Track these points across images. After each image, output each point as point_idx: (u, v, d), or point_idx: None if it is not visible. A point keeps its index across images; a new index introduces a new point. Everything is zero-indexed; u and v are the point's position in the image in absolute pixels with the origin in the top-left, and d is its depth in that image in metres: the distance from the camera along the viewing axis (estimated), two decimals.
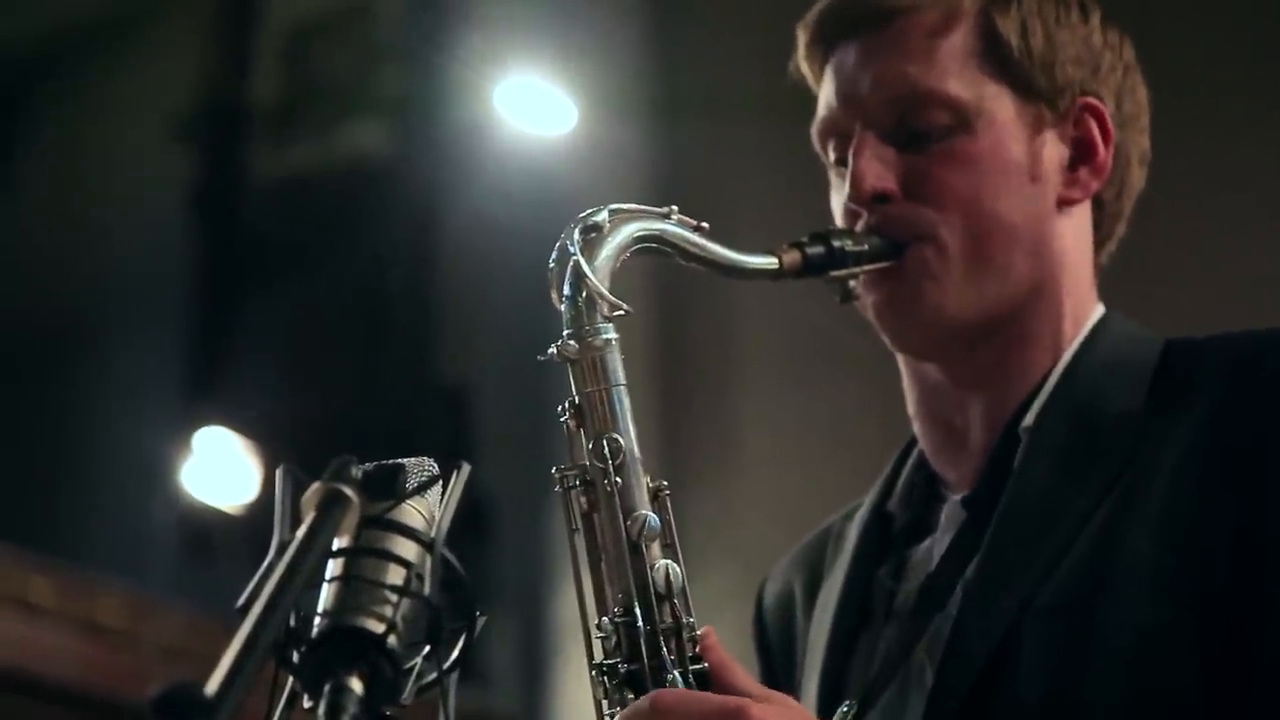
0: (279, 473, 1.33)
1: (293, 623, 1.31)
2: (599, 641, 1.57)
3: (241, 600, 1.22)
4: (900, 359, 1.89)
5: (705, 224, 1.70)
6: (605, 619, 1.56)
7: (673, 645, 1.54)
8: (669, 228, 1.68)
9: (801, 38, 1.90)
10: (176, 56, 7.14)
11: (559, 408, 1.62)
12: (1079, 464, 1.72)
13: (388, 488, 1.36)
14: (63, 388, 6.72)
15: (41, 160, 7.11)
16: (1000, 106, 1.80)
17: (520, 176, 5.99)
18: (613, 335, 1.62)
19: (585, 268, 1.61)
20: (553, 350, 1.62)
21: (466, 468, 1.40)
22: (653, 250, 1.68)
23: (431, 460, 1.42)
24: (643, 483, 1.59)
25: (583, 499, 1.59)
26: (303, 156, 7.02)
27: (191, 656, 5.13)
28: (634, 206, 1.68)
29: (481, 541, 6.19)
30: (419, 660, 1.35)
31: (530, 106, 6.00)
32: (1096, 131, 1.84)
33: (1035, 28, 1.82)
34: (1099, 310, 1.87)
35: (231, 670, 1.08)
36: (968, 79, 1.80)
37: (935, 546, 1.82)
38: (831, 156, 1.88)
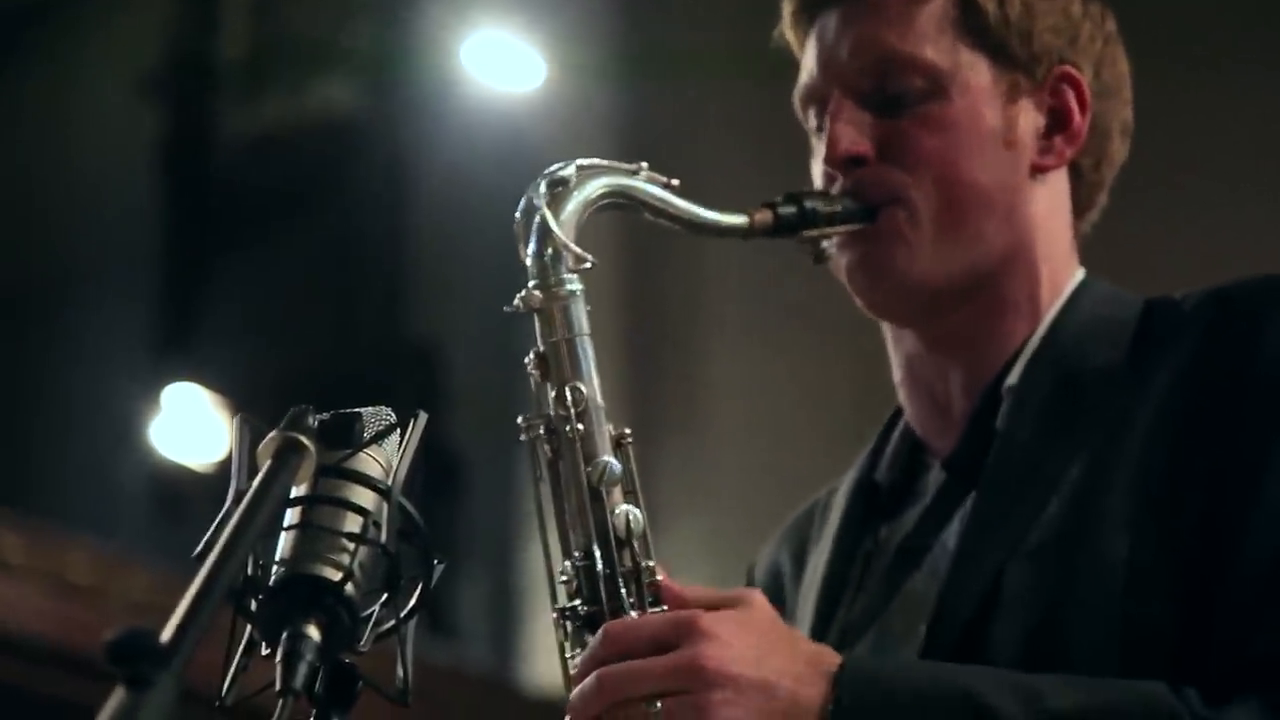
0: (235, 422, 1.33)
1: (250, 571, 1.32)
2: (562, 587, 1.58)
3: (198, 549, 1.22)
4: (884, 329, 1.90)
5: (675, 181, 1.71)
6: (567, 564, 1.57)
7: (632, 588, 1.56)
8: (637, 184, 1.69)
9: (787, 6, 1.91)
10: (145, 12, 7.10)
11: (525, 359, 1.63)
12: (1063, 419, 1.74)
13: (345, 437, 1.37)
14: (32, 344, 6.70)
15: (9, 117, 7.06)
16: (976, 73, 1.81)
17: (489, 133, 5.97)
18: (578, 287, 1.63)
19: (551, 222, 1.62)
20: (518, 301, 1.63)
21: (423, 416, 1.41)
22: (620, 206, 1.69)
23: (389, 410, 1.42)
24: (605, 430, 1.60)
25: (546, 447, 1.60)
26: (271, 112, 6.99)
27: (160, 613, 5.05)
28: (602, 162, 1.68)
29: (453, 497, 6.20)
30: (377, 608, 1.36)
31: (499, 63, 5.98)
32: (1073, 100, 1.84)
33: None
34: (1079, 274, 1.87)
35: (186, 618, 1.08)
36: (944, 45, 1.81)
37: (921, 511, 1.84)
38: (812, 123, 1.88)
